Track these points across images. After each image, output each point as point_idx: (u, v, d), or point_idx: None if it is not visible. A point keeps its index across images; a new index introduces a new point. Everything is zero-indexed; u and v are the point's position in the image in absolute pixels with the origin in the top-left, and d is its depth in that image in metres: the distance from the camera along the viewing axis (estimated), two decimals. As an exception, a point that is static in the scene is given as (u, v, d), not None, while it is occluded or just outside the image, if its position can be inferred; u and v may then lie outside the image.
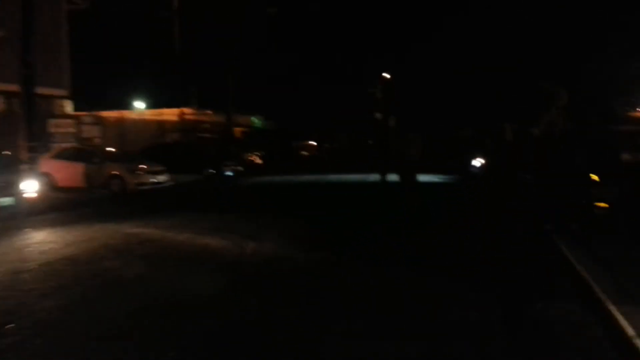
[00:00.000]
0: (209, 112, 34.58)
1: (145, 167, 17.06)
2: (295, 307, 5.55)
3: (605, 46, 34.61)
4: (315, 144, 35.82)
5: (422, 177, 16.62)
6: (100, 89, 30.19)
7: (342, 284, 6.42)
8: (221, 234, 9.38)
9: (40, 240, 9.16)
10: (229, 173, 22.52)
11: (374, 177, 14.52)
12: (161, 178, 17.40)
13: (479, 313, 5.34)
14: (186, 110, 29.94)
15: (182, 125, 29.32)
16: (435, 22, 47.34)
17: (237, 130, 34.81)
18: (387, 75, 48.38)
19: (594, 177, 9.64)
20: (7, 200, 11.34)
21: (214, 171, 21.54)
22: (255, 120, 42.09)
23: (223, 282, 6.49)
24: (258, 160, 28.02)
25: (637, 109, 38.30)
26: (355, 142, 36.41)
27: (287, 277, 6.78)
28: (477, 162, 19.19)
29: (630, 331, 4.55)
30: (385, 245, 8.78)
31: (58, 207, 13.45)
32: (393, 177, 13.88)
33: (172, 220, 10.95)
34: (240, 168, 23.63)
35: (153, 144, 23.80)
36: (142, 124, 28.93)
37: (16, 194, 11.62)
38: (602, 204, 8.67)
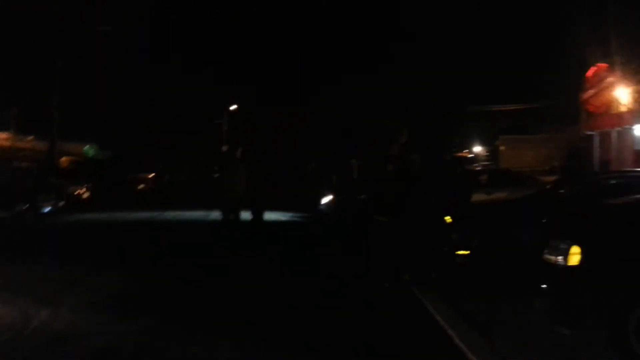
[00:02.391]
0: (29, 138, 30.60)
1: None
2: None
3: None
4: (152, 176, 33.14)
5: (269, 215, 15.37)
6: None
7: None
8: (5, 297, 7.12)
9: None
10: (47, 209, 19.43)
11: (217, 214, 13.11)
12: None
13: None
14: (1, 135, 26.04)
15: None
16: (282, 56, 47.25)
17: (65, 160, 31.12)
18: (234, 107, 47.26)
19: (447, 218, 8.95)
20: None
21: (26, 206, 18.38)
22: (89, 150, 38.38)
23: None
24: (86, 194, 24.86)
25: (465, 150, 41.11)
26: (200, 175, 34.34)
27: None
28: (325, 199, 18.30)
29: None
30: (220, 302, 7.18)
31: None
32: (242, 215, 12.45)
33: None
34: (61, 203, 20.56)
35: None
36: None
37: None
38: (464, 252, 7.93)
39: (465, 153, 41.28)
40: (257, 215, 13.37)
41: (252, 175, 13.00)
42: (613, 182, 8.46)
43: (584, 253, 4.46)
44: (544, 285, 4.81)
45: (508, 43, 32.73)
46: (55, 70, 28.42)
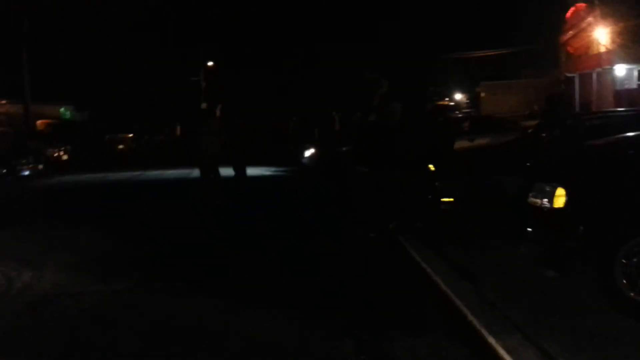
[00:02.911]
0: (3, 102, 29.83)
1: None
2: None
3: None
4: (131, 136, 32.63)
5: (253, 170, 15.27)
6: None
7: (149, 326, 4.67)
8: (-13, 261, 7.01)
9: None
10: (26, 172, 19.12)
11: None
12: None
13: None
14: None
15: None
16: (255, 12, 45.97)
17: (41, 123, 30.45)
18: (210, 63, 46.23)
19: (430, 167, 8.91)
20: None
21: (5, 170, 18.07)
22: (65, 112, 37.61)
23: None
24: (65, 156, 24.48)
25: (446, 98, 40.98)
26: (182, 134, 33.77)
27: (61, 329, 4.83)
28: (308, 152, 18.22)
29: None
30: (198, 262, 7.11)
31: None
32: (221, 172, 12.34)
33: None
34: (40, 166, 20.23)
35: None
36: None
37: None
38: (448, 199, 7.91)
39: (446, 101, 41.16)
40: (239, 171, 13.26)
41: (232, 132, 12.85)
42: (594, 123, 8.44)
43: (569, 195, 4.43)
44: (530, 229, 4.80)
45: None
46: (23, 32, 27.49)
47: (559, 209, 4.45)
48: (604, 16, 19.77)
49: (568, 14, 21.86)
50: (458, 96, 43.42)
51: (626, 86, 20.06)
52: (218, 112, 13.03)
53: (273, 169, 19.43)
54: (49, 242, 8.28)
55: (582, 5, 21.16)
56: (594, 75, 21.25)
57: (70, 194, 15.31)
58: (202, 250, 7.76)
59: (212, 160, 12.06)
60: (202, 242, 8.37)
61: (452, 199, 7.83)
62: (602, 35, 20.21)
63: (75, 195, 15.04)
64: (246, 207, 11.63)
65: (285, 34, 43.09)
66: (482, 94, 35.83)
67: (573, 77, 23.31)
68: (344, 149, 13.31)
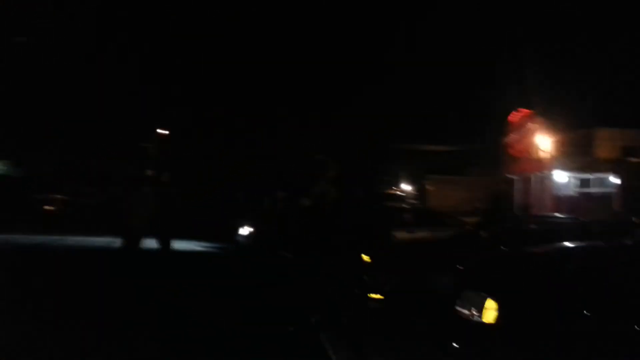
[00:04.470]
0: None
1: None
2: None
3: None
4: (63, 197, 31.06)
5: (180, 244, 14.27)
6: None
7: None
8: None
9: None
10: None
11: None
12: None
13: None
14: None
15: None
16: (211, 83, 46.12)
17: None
18: (164, 131, 45.56)
19: (365, 257, 8.34)
20: None
21: None
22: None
23: None
24: (-17, 214, 22.80)
25: (393, 187, 41.43)
26: (114, 198, 32.45)
27: None
28: (245, 230, 17.38)
29: None
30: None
31: None
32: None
33: None
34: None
35: None
36: None
37: None
38: (377, 295, 7.27)
39: (394, 190, 41.36)
40: (163, 244, 12.31)
41: (166, 202, 12.07)
42: (533, 227, 8.11)
43: (501, 309, 3.85)
44: (456, 345, 4.15)
45: (438, 87, 33.25)
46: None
47: (489, 325, 3.85)
48: (546, 125, 20.39)
49: (511, 117, 22.48)
50: (407, 187, 43.81)
51: (565, 192, 20.44)
52: (165, 179, 12.32)
53: (205, 244, 18.45)
54: None
55: (526, 111, 21.84)
56: (535, 178, 21.62)
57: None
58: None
59: (138, 231, 11.17)
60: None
61: (381, 296, 7.18)
62: (543, 141, 20.74)
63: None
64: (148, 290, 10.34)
65: (243, 110, 43.11)
66: (429, 187, 36.20)
67: (514, 178, 23.71)
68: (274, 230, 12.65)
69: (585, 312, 3.65)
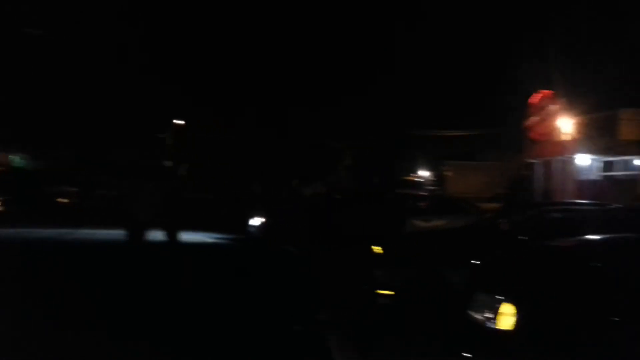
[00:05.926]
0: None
1: None
2: None
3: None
4: (77, 190, 31.11)
5: (190, 236, 13.92)
6: None
7: None
8: None
9: None
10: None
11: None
12: None
13: None
14: None
15: None
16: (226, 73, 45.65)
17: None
18: (180, 122, 45.40)
19: (377, 249, 7.85)
20: None
21: None
22: (16, 160, 36.30)
23: None
24: (0, 207, 22.87)
25: (411, 174, 40.78)
26: (122, 192, 32.33)
27: None
28: (256, 220, 16.96)
29: None
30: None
31: None
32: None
33: None
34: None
35: None
36: None
37: None
38: (386, 292, 6.79)
39: (413, 177, 40.76)
40: (170, 236, 11.94)
41: (173, 193, 11.73)
42: (556, 215, 7.53)
43: (519, 313, 3.35)
44: (468, 355, 3.66)
45: (458, 70, 32.45)
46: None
47: (506, 331, 3.36)
48: (568, 106, 19.64)
49: (532, 100, 21.71)
50: (425, 173, 43.10)
51: (588, 176, 19.71)
52: (184, 172, 11.96)
53: (216, 235, 18.09)
54: None
55: (547, 92, 21.07)
56: (556, 163, 20.91)
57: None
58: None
59: (143, 225, 10.85)
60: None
61: (391, 292, 6.70)
62: (565, 124, 20.00)
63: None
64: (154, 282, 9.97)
65: (258, 100, 42.72)
66: (448, 173, 35.56)
67: (535, 163, 22.98)
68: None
69: (617, 318, 3.13)
